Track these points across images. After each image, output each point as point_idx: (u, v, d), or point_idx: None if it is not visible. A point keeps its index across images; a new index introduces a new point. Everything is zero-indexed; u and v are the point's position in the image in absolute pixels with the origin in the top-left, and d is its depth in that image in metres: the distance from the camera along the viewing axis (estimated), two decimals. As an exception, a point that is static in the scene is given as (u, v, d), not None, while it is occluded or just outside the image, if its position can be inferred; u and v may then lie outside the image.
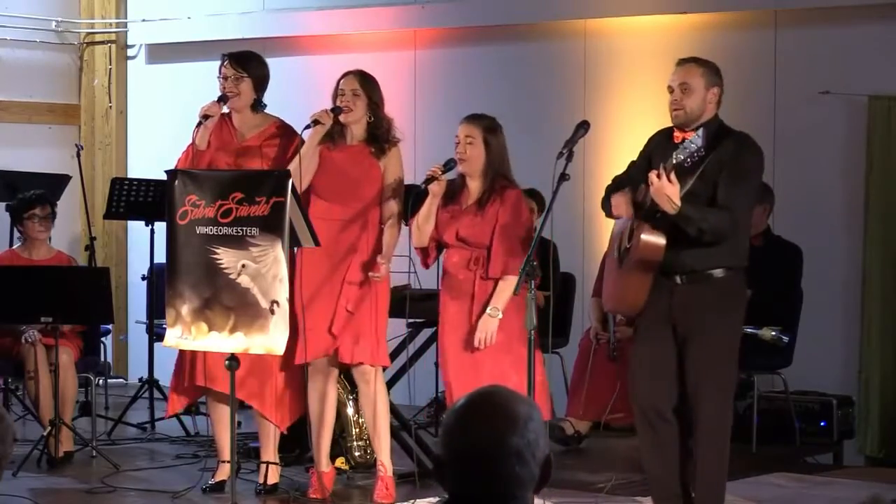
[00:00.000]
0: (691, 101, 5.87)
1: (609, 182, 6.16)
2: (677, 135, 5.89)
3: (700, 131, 5.69)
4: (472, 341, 6.48)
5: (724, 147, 5.81)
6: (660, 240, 5.77)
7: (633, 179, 6.01)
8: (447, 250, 6.68)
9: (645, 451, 6.12)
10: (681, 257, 5.82)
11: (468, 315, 6.53)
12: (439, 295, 6.73)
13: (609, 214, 6.10)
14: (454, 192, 6.64)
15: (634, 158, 6.18)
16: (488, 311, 6.45)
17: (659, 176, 5.60)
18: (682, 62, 5.99)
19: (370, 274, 6.64)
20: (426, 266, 6.81)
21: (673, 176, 5.59)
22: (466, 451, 2.78)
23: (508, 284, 6.40)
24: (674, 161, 5.60)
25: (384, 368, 6.92)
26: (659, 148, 5.97)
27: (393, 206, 6.75)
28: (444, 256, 6.74)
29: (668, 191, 5.59)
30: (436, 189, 6.56)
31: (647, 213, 5.78)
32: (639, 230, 5.81)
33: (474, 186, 6.60)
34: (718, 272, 5.88)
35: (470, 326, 6.52)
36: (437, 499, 6.79)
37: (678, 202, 5.61)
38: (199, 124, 6.81)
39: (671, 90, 5.93)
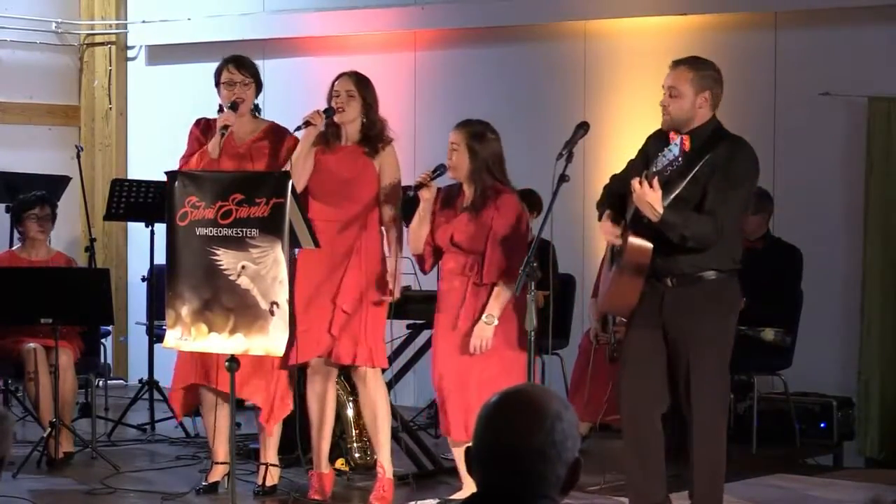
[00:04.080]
0: (677, 106, 5.82)
1: (607, 182, 6.14)
2: (672, 135, 5.86)
3: (679, 139, 5.65)
4: (463, 345, 6.45)
5: (718, 151, 5.74)
6: (646, 243, 5.75)
7: (629, 178, 5.99)
8: (444, 255, 6.66)
9: (627, 453, 6.04)
10: (672, 261, 5.78)
11: (459, 319, 6.51)
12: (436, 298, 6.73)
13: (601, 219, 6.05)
14: (452, 196, 6.63)
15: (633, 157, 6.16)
16: (483, 318, 6.41)
17: (641, 183, 5.58)
18: (676, 64, 5.90)
19: (381, 298, 6.64)
20: (424, 271, 6.81)
21: (656, 182, 5.55)
22: (491, 446, 2.80)
23: (503, 291, 6.39)
24: (654, 169, 5.58)
25: (383, 370, 6.91)
26: (655, 148, 5.91)
27: (389, 212, 6.75)
28: (441, 262, 6.72)
29: (649, 198, 5.56)
30: (426, 195, 6.55)
31: (634, 218, 5.77)
32: (628, 232, 5.81)
33: (468, 191, 6.59)
34: (710, 274, 5.81)
35: (461, 330, 6.49)
36: (436, 500, 6.79)
37: (660, 209, 5.57)
38: (221, 136, 6.81)
39: (664, 91, 5.89)
